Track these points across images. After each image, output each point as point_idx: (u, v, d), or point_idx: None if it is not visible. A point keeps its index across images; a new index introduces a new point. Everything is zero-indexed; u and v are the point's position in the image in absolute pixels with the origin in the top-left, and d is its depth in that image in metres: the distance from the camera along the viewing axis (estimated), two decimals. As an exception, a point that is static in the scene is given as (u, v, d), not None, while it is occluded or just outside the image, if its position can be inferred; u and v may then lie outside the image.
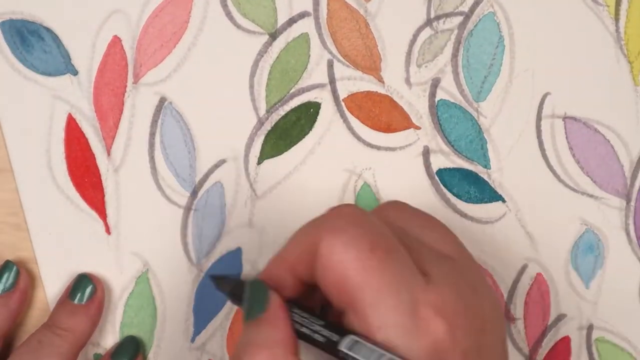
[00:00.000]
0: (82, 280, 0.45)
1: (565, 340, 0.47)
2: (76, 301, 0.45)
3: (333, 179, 0.46)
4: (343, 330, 0.35)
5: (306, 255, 0.35)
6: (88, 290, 0.45)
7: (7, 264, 0.45)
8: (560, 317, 0.47)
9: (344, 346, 0.34)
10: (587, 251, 0.47)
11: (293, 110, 0.46)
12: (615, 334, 0.47)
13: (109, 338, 0.47)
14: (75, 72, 0.46)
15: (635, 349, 0.47)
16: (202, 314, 0.47)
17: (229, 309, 0.47)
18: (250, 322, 0.36)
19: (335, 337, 0.35)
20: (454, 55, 0.46)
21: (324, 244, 0.34)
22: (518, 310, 0.47)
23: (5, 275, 0.45)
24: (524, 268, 0.47)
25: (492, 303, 0.37)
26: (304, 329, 0.36)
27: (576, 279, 0.47)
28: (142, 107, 0.46)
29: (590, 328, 0.47)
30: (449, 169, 0.46)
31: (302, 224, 0.37)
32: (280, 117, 0.46)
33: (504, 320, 0.39)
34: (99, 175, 0.47)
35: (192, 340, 0.47)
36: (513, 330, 0.47)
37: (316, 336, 0.35)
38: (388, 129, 0.46)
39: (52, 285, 0.46)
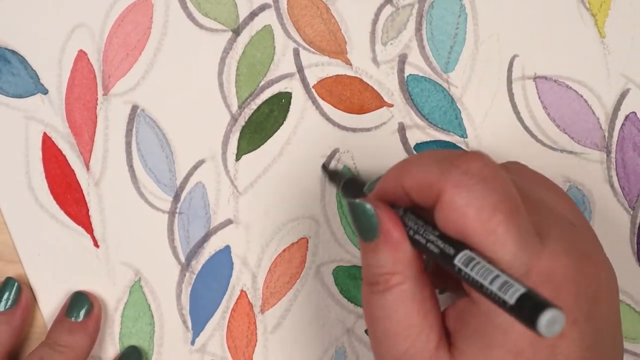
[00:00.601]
0: (79, 298, 0.45)
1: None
2: (74, 319, 0.45)
3: (312, 166, 0.47)
4: (458, 244, 0.34)
5: (426, 190, 0.34)
6: (85, 307, 0.45)
7: (9, 281, 0.45)
8: (554, 277, 0.47)
9: (459, 260, 0.33)
10: (574, 208, 0.47)
11: (265, 102, 0.46)
12: (611, 287, 0.47)
13: (110, 351, 0.47)
14: (45, 91, 0.46)
15: (633, 299, 0.47)
16: (198, 316, 0.47)
17: (225, 307, 0.47)
18: (368, 245, 0.35)
19: (450, 250, 0.33)
20: (418, 29, 0.46)
21: (447, 196, 0.33)
22: (512, 274, 0.47)
23: (7, 293, 0.45)
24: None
25: (608, 273, 0.36)
26: (417, 237, 0.35)
27: (566, 236, 0.47)
28: (115, 118, 0.47)
29: (585, 284, 0.47)
30: (427, 142, 0.47)
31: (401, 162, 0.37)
32: (252, 111, 0.46)
33: (618, 292, 0.38)
34: (81, 191, 0.47)
35: (192, 343, 0.47)
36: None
37: (430, 246, 0.34)
38: (361, 110, 0.47)
39: (47, 304, 0.47)
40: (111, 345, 0.47)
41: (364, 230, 0.36)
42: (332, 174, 0.45)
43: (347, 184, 0.42)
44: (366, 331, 0.46)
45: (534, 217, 0.35)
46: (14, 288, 0.45)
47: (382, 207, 0.36)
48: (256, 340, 0.47)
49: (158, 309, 0.47)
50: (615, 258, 0.46)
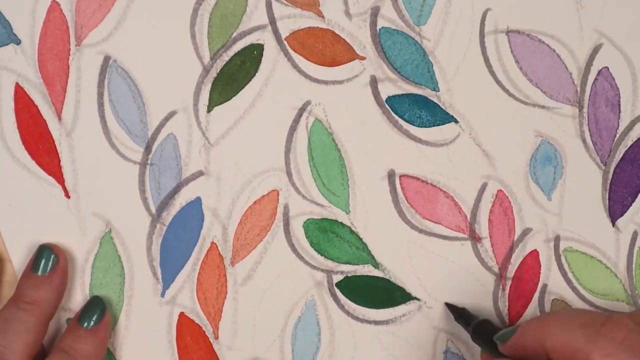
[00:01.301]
0: (43, 252, 0.45)
1: (534, 254, 0.47)
2: (39, 273, 0.44)
3: (284, 118, 0.46)
4: None
5: (570, 353, 0.37)
6: (50, 261, 0.45)
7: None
8: (526, 232, 0.47)
9: None
10: (546, 162, 0.46)
11: (237, 54, 0.46)
12: (582, 243, 0.47)
13: (80, 302, 0.47)
14: (17, 42, 0.46)
15: (604, 255, 0.47)
16: (169, 268, 0.47)
17: (195, 259, 0.47)
18: None
19: None
20: (391, -18, 0.46)
21: None
22: (483, 229, 0.47)
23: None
24: (484, 186, 0.47)
25: None
26: None
27: (537, 191, 0.47)
28: (87, 69, 0.47)
29: (557, 239, 0.47)
30: (398, 96, 0.46)
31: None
32: (224, 63, 0.46)
33: None
34: (53, 141, 0.47)
35: (162, 295, 0.47)
36: (480, 249, 0.47)
37: None
38: (333, 62, 0.46)
39: (18, 256, 0.47)
40: (81, 297, 0.46)
41: None
42: (460, 314, 0.46)
43: (478, 326, 0.44)
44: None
45: None
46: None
47: None
48: (226, 292, 0.47)
49: (128, 261, 0.47)
50: (587, 214, 0.46)
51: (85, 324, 0.44)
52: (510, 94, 0.46)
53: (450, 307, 0.46)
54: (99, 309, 0.45)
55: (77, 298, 0.47)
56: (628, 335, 0.36)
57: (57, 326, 0.46)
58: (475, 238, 0.47)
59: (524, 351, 0.39)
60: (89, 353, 0.43)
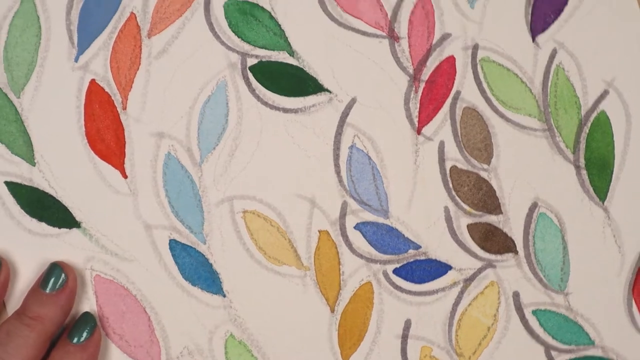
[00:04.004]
0: (54, 270, 0.45)
1: (450, 60, 0.47)
2: (47, 290, 0.44)
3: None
4: None
5: None
6: (60, 279, 0.44)
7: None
8: (444, 37, 0.47)
9: None
10: (471, -31, 0.47)
11: None
12: (500, 55, 0.46)
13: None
14: None
15: (521, 70, 0.46)
16: (85, 33, 0.47)
17: (113, 27, 0.47)
18: None
19: None
20: None
21: None
22: (402, 29, 0.46)
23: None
24: (407, -14, 0.47)
25: None
26: None
27: (460, -3, 0.47)
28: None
29: (475, 48, 0.47)
30: None
31: None
32: None
33: None
34: None
35: (76, 60, 0.47)
36: (397, 49, 0.46)
37: None
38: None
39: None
40: (-4, 54, 0.47)
41: None
42: None
43: None
44: None
45: None
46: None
47: None
48: (139, 63, 0.47)
49: (47, 22, 0.47)
50: (508, 26, 0.46)
51: (75, 340, 0.44)
52: None
53: None
54: (89, 324, 0.45)
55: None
56: None
57: None
58: (393, 37, 0.46)
59: None
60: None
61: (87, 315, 0.45)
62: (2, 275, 0.45)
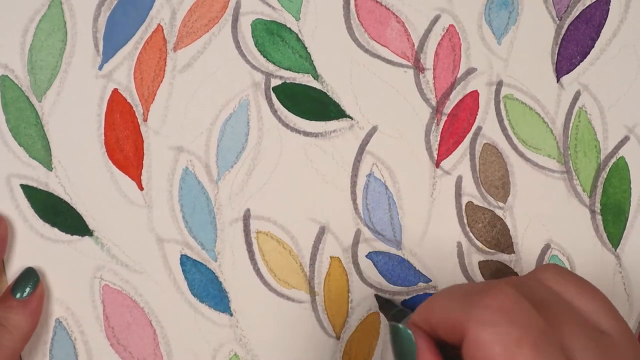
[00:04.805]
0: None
1: (474, 95, 0.46)
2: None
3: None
4: None
5: (451, 328, 0.35)
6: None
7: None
8: (470, 71, 0.46)
9: None
10: (502, 6, 0.46)
11: None
12: (524, 93, 0.46)
13: (18, 60, 0.46)
14: None
15: (544, 109, 0.46)
16: (111, 42, 0.47)
17: (139, 38, 0.47)
18: None
19: None
20: None
21: (471, 335, 0.33)
22: (428, 60, 0.46)
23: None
24: (436, 18, 0.46)
25: None
26: None
27: (489, 33, 0.46)
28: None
29: (499, 84, 0.46)
30: None
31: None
32: None
33: None
34: None
35: (100, 68, 0.47)
36: (422, 80, 0.46)
37: None
38: None
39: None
40: (20, 57, 0.46)
41: (403, 355, 0.36)
42: (382, 304, 0.45)
43: (396, 314, 0.43)
44: None
45: (565, 333, 0.34)
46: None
47: (421, 335, 0.36)
48: (163, 76, 0.46)
49: (73, 28, 0.47)
50: (533, 65, 0.46)
51: (18, 295, 0.44)
52: None
53: (377, 297, 0.45)
54: (32, 280, 0.45)
55: (16, 57, 0.46)
56: (504, 301, 0.34)
57: None
58: (418, 68, 0.46)
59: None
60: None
61: (29, 270, 0.45)
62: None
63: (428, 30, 0.46)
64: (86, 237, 0.46)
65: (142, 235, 0.46)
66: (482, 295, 0.34)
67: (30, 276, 0.45)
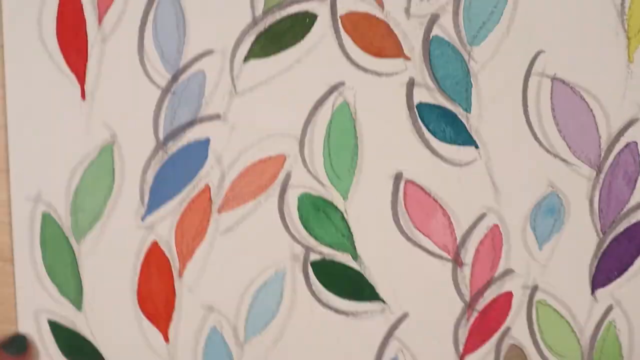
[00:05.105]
0: (17, 340, 0.44)
1: (508, 296, 0.47)
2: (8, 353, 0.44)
3: (314, 90, 0.46)
4: None
5: None
6: (17, 348, 0.44)
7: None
8: (507, 272, 0.47)
9: None
10: (548, 213, 0.47)
11: (290, 16, 0.46)
12: (557, 300, 0.47)
13: (62, 200, 0.47)
14: None
15: (574, 319, 0.47)
16: (157, 196, 0.47)
17: (186, 195, 0.47)
18: None
19: None
20: (458, -6, 0.46)
21: None
22: (468, 255, 0.47)
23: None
24: (482, 216, 0.47)
25: None
26: None
27: (531, 238, 0.47)
28: (142, -18, 0.47)
29: (534, 289, 0.47)
30: (430, 105, 0.46)
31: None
32: (275, 20, 0.46)
33: None
34: (86, 41, 0.46)
35: (143, 219, 0.47)
36: (459, 275, 0.47)
37: None
38: (379, 53, 0.46)
39: (16, 137, 0.46)
40: (65, 197, 0.46)
41: None
42: None
43: None
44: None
45: None
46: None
47: None
48: (204, 236, 0.47)
49: (121, 176, 0.47)
50: (571, 275, 0.46)
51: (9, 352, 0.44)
52: (536, 138, 0.46)
53: None
54: (22, 344, 0.44)
55: (61, 198, 0.47)
56: None
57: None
58: (457, 262, 0.47)
59: None
60: None
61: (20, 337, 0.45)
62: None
63: (472, 227, 0.47)
64: (108, 385, 0.47)
65: (163, 391, 0.47)
66: None
67: (17, 341, 0.45)
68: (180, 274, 0.47)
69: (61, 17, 0.46)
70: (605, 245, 0.47)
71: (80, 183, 0.47)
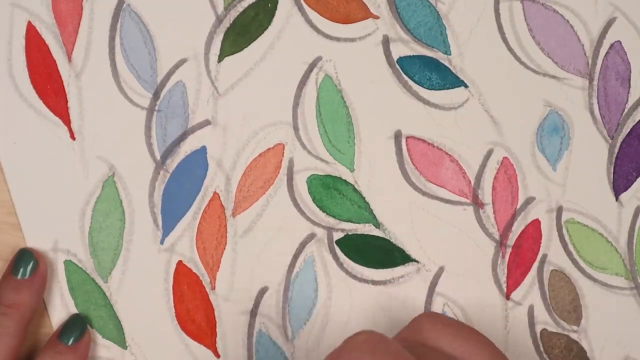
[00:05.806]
0: (24, 256, 0.45)
1: (535, 224, 0.47)
2: (19, 276, 0.44)
3: (294, 72, 0.46)
4: None
5: None
6: (30, 265, 0.45)
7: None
8: (529, 201, 0.47)
9: None
10: (552, 132, 0.47)
11: (251, 6, 0.46)
12: (585, 215, 0.47)
13: (79, 244, 0.46)
14: (32, -20, 0.46)
15: (606, 229, 0.47)
16: (170, 215, 0.47)
17: (197, 208, 0.47)
18: None
19: None
20: (409, -57, 0.46)
21: None
22: (486, 195, 0.47)
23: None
24: (489, 153, 0.47)
25: None
26: None
27: (543, 161, 0.47)
28: (100, 11, 0.46)
29: (559, 210, 0.47)
30: (410, 57, 0.46)
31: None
32: (238, 13, 0.46)
33: None
34: (61, 82, 0.46)
35: (162, 242, 0.47)
36: (482, 215, 0.47)
37: None
38: (346, 19, 0.46)
39: (19, 192, 0.46)
40: (81, 240, 0.46)
41: None
42: None
43: None
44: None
45: None
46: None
47: None
48: (225, 243, 0.47)
49: (130, 206, 0.47)
50: (590, 186, 0.46)
51: (65, 341, 0.44)
52: (521, 62, 0.46)
53: None
54: (79, 327, 0.45)
55: (77, 240, 0.46)
56: (369, 339, 0.34)
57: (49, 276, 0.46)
58: (477, 204, 0.47)
59: None
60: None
61: (77, 317, 0.46)
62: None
63: (483, 166, 0.46)
64: (169, 412, 0.46)
65: (225, 404, 0.46)
66: (346, 341, 0.34)
67: (78, 322, 0.45)
68: (213, 287, 0.47)
69: (31, 64, 0.46)
70: (616, 150, 0.47)
71: (92, 222, 0.46)
